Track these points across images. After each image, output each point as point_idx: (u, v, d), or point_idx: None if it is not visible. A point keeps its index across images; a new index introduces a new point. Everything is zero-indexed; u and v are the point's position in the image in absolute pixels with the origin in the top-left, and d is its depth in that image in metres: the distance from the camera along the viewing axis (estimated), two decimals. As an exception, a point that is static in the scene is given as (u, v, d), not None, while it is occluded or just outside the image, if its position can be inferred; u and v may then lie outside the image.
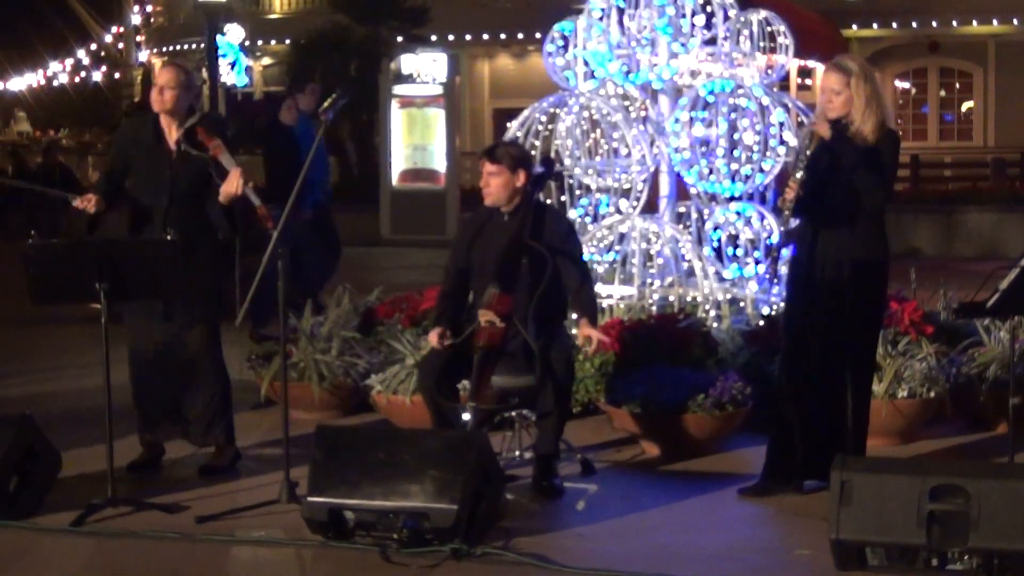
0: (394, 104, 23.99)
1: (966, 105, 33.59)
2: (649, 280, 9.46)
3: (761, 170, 9.58)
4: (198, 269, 7.43)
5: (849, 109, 6.79)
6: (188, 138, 7.45)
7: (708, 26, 9.80)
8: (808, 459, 6.93)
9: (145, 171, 7.55)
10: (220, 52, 21.97)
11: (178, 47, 36.93)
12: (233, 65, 30.60)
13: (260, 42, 34.29)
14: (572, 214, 9.80)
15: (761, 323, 9.03)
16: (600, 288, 9.24)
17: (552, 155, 9.97)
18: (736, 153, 9.64)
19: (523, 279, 7.19)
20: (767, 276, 9.45)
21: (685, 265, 9.49)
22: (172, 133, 7.51)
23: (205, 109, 7.67)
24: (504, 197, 7.33)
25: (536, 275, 7.17)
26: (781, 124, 9.51)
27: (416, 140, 23.97)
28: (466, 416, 6.90)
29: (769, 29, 9.85)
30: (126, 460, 7.45)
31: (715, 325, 9.04)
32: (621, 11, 9.88)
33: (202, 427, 7.65)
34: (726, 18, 9.81)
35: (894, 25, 31.28)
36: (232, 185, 7.25)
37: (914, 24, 31.10)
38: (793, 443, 6.96)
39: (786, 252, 9.19)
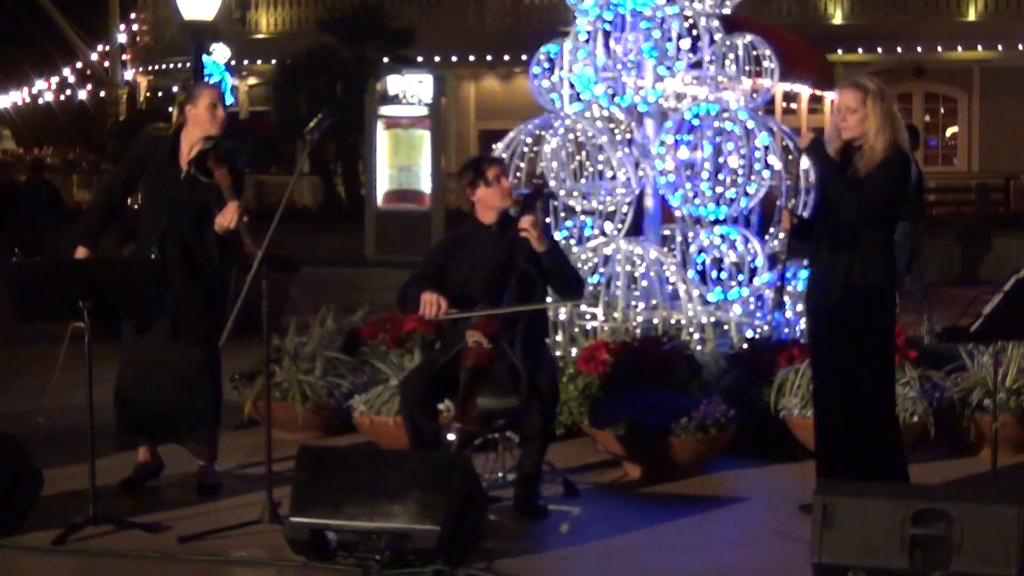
0: (380, 125, 24.00)
1: (951, 130, 33.73)
2: (633, 303, 9.46)
3: (746, 193, 9.59)
4: (198, 288, 7.45)
5: (863, 129, 6.68)
6: (199, 162, 7.45)
7: (694, 49, 9.80)
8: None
9: (152, 188, 7.58)
10: (206, 72, 21.91)
11: (164, 66, 36.92)
12: (219, 85, 30.59)
13: (246, 62, 34.27)
14: (556, 236, 9.79)
15: (745, 346, 9.05)
16: (584, 310, 9.26)
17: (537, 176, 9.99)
18: (721, 176, 9.65)
19: (510, 300, 7.20)
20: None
21: (669, 288, 9.49)
22: (186, 154, 7.50)
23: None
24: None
25: (525, 297, 7.18)
26: (766, 148, 9.52)
27: (401, 161, 23.98)
28: (451, 436, 6.90)
29: (755, 53, 9.86)
30: (108, 479, 7.38)
31: (699, 348, 9.04)
32: (607, 34, 9.89)
33: (198, 441, 7.63)
34: (712, 42, 9.83)
35: (879, 50, 31.37)
36: (226, 218, 7.28)
37: (899, 49, 31.20)
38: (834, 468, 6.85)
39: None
